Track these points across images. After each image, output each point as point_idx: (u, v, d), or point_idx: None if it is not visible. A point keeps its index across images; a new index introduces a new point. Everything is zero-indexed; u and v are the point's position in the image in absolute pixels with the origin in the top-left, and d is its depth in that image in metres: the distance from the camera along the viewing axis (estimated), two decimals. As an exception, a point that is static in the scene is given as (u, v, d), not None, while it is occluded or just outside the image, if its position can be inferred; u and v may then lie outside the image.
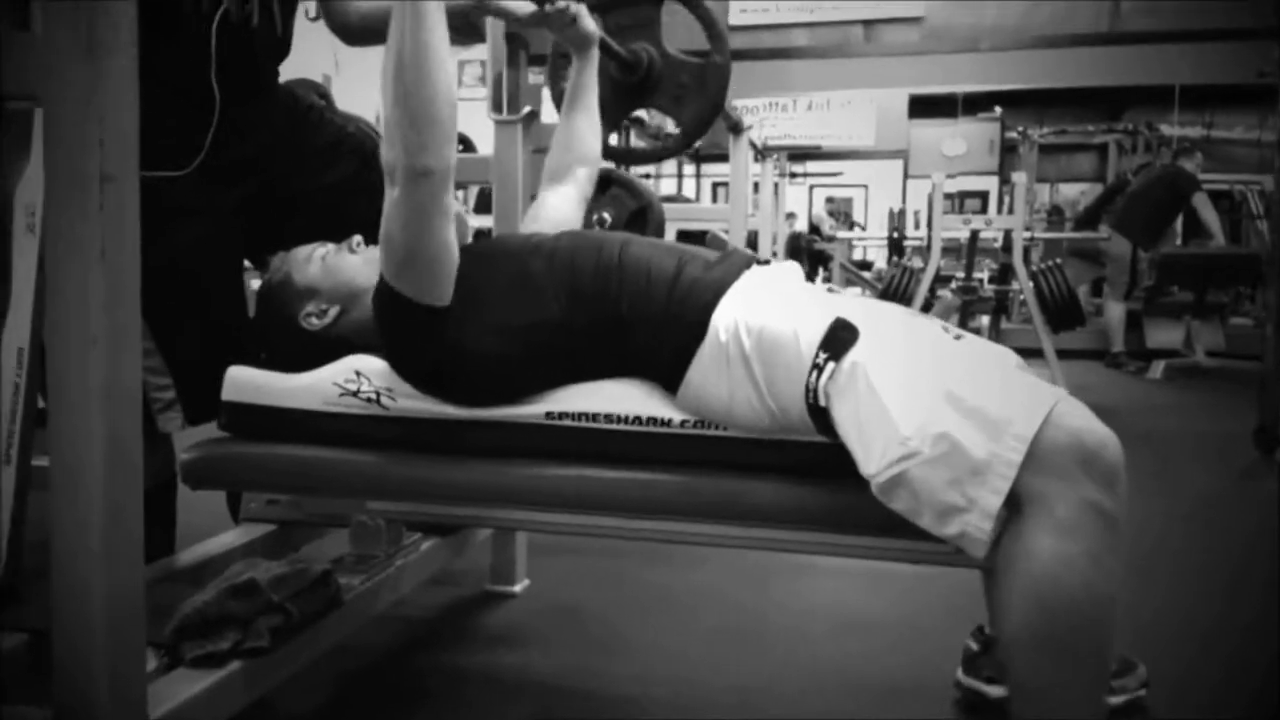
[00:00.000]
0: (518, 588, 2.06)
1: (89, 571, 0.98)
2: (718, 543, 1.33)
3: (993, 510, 1.02)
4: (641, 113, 1.83)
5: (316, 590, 1.32)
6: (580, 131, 1.68)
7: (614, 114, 1.87)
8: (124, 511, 1.00)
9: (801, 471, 1.24)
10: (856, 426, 1.10)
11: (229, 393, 1.44)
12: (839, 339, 1.13)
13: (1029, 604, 1.00)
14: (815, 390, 1.13)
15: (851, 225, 11.78)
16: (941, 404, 1.04)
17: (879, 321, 1.17)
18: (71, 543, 0.98)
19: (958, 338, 1.35)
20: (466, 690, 1.63)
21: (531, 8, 1.51)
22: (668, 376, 1.27)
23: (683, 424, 1.27)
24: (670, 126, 1.98)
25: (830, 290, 1.36)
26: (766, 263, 1.37)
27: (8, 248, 1.10)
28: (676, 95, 1.86)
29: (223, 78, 1.52)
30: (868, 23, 8.05)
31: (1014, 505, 1.02)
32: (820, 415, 1.14)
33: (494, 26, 1.94)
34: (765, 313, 1.21)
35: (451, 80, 1.19)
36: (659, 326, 1.26)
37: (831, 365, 1.12)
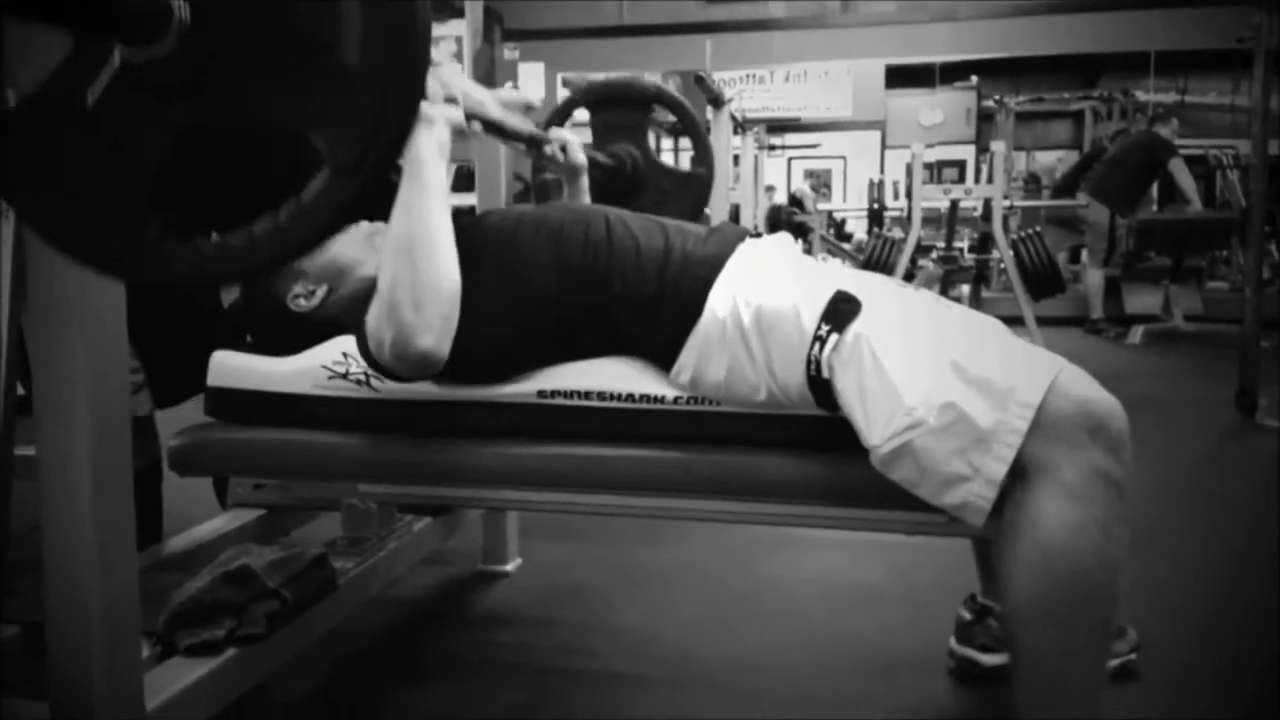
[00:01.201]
0: (510, 567, 2.06)
1: (82, 562, 0.97)
2: (712, 518, 1.32)
3: (997, 478, 1.02)
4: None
5: (311, 574, 1.30)
6: None
7: None
8: (114, 501, 0.99)
9: (796, 445, 1.24)
10: (860, 398, 1.09)
11: (215, 378, 1.42)
12: (841, 311, 1.12)
13: (1036, 571, 1.00)
14: (818, 362, 1.13)
15: (828, 198, 11.78)
16: (946, 373, 1.04)
17: (878, 293, 1.17)
18: (63, 534, 0.97)
19: (948, 308, 1.36)
20: (463, 670, 1.62)
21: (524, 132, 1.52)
22: (662, 354, 1.26)
23: (676, 400, 1.26)
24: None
25: (824, 259, 1.36)
26: (758, 235, 1.36)
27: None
28: (658, 200, 1.89)
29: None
30: (844, -8, 8.02)
31: (1018, 474, 1.02)
32: (821, 388, 1.14)
33: (471, 10, 1.91)
34: (763, 288, 1.20)
35: (454, 261, 1.18)
36: (653, 304, 1.25)
37: (835, 337, 1.11)
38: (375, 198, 1.32)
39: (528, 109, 1.53)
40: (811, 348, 1.12)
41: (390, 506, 1.58)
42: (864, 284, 1.19)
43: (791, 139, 11.91)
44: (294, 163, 0.77)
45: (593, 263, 1.28)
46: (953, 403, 1.02)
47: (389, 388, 1.33)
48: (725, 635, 1.75)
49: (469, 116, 1.29)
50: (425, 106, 1.18)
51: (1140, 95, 9.78)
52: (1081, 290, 6.83)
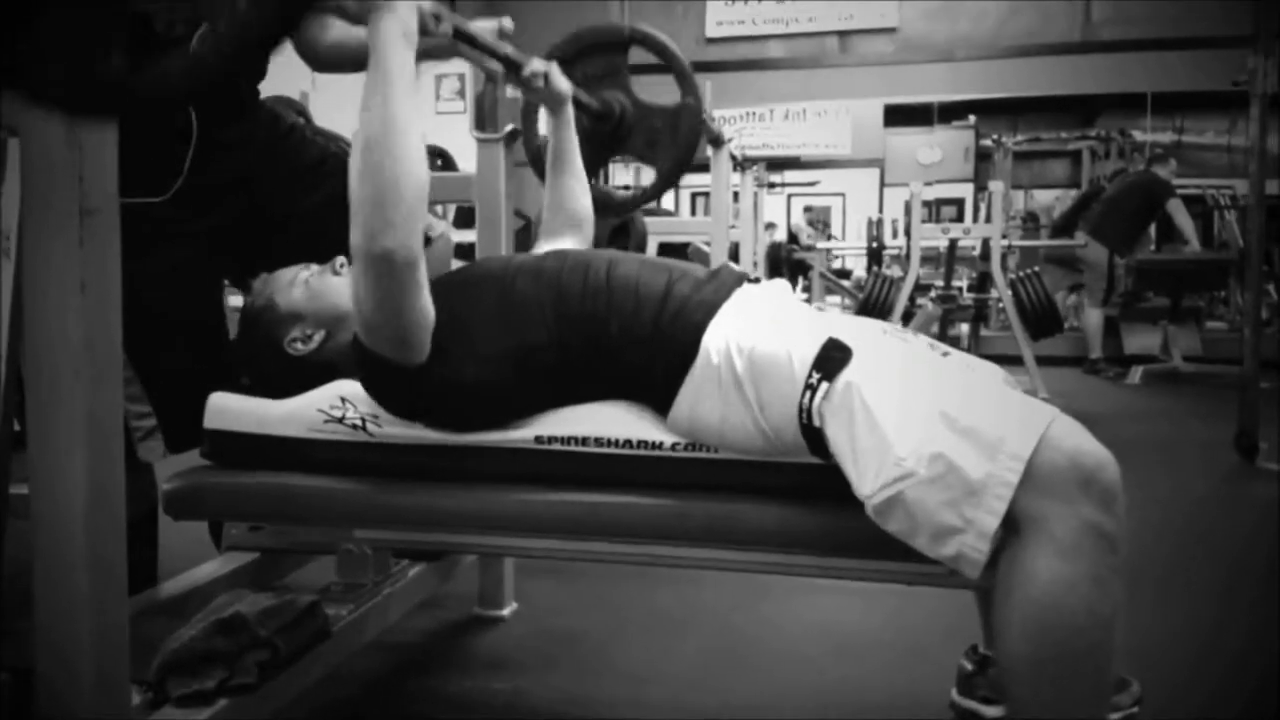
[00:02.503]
0: (506, 611, 2.04)
1: (73, 610, 0.97)
2: (710, 566, 1.31)
3: (989, 531, 1.01)
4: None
5: (304, 622, 1.29)
6: (571, 191, 1.69)
7: (588, 164, 1.87)
8: (107, 549, 0.99)
9: (794, 494, 1.23)
10: (851, 447, 1.09)
11: (211, 420, 1.42)
12: (832, 359, 1.12)
13: (1030, 627, 0.99)
14: (809, 410, 1.12)
15: (829, 235, 11.82)
16: (936, 424, 1.04)
17: (871, 341, 1.17)
18: (55, 581, 0.96)
19: (945, 354, 1.36)
20: (457, 718, 1.60)
21: (500, 50, 1.50)
22: (659, 398, 1.25)
23: (674, 446, 1.26)
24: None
25: (819, 309, 1.36)
26: (756, 280, 1.36)
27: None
28: (650, 140, 1.87)
29: (200, 100, 1.50)
30: (842, 34, 8.09)
31: (1011, 527, 1.01)
32: (814, 436, 1.14)
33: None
34: (757, 333, 1.20)
35: (422, 161, 1.15)
36: (649, 348, 1.25)
37: (825, 385, 1.11)
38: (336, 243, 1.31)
39: (501, 34, 1.50)
40: (803, 396, 1.12)
41: (386, 551, 1.57)
42: (858, 331, 1.19)
43: (791, 176, 11.99)
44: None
45: (591, 306, 1.28)
46: (942, 453, 1.02)
47: (385, 432, 1.33)
48: (723, 681, 1.73)
49: (439, 17, 1.24)
50: None
51: (1138, 135, 9.86)
52: (1081, 330, 6.84)
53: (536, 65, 1.57)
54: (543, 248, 1.65)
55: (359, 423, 1.34)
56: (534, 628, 1.99)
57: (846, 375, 1.10)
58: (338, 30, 1.67)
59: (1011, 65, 7.97)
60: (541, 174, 1.74)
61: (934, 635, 1.83)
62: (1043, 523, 0.99)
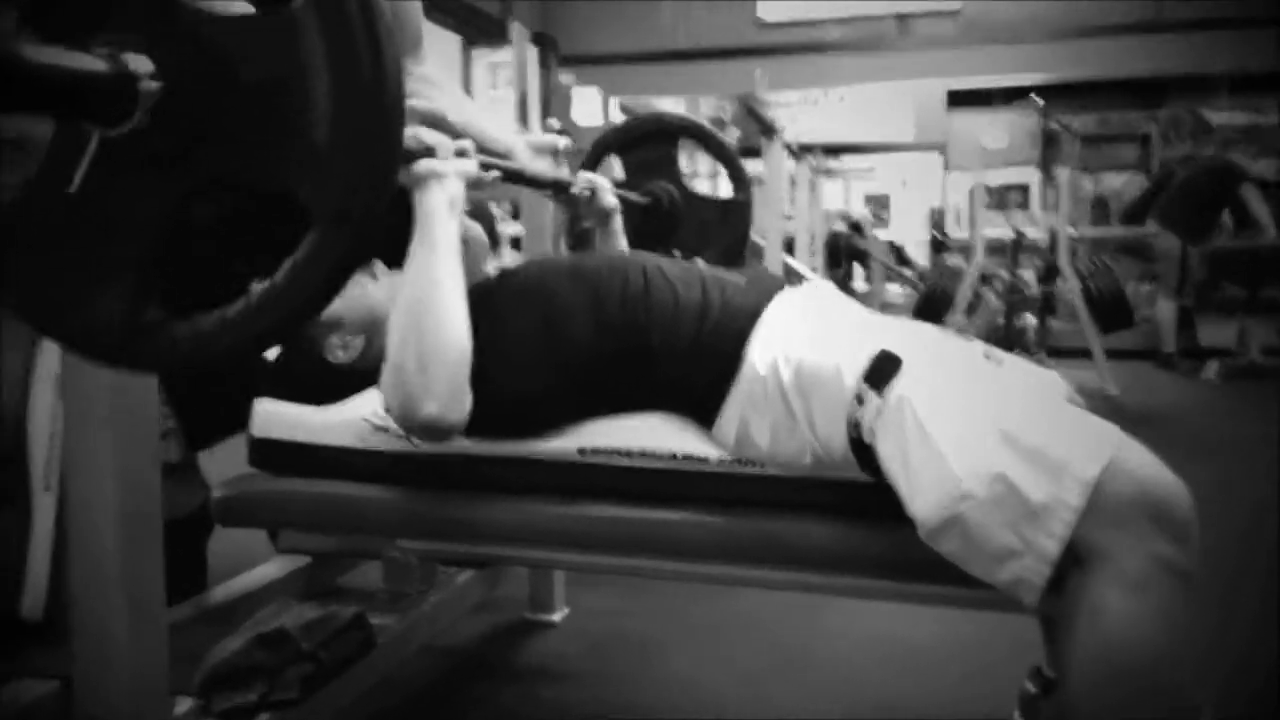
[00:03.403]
0: (557, 616, 2.03)
1: (110, 621, 0.97)
2: (758, 584, 1.28)
3: (1050, 556, 0.96)
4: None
5: (348, 634, 1.29)
6: None
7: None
8: (143, 557, 0.98)
9: (845, 512, 1.19)
10: (903, 465, 1.04)
11: (259, 428, 1.42)
12: (883, 371, 1.07)
13: (1093, 665, 0.94)
14: (859, 425, 1.08)
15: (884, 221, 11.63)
16: (997, 443, 0.99)
17: (926, 351, 1.12)
18: (91, 592, 0.97)
19: (1001, 362, 1.30)
20: (504, 726, 1.59)
21: (547, 177, 1.49)
22: (702, 410, 1.22)
23: (720, 461, 1.22)
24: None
25: (870, 310, 1.31)
26: (798, 284, 1.32)
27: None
28: (700, 233, 1.87)
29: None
30: (901, 17, 7.94)
31: (1076, 557, 0.96)
32: (864, 451, 1.09)
33: (518, 35, 1.91)
34: (804, 342, 1.16)
35: (465, 326, 1.15)
36: (690, 358, 1.21)
37: (875, 399, 1.06)
38: (381, 247, 1.30)
39: (555, 152, 1.50)
40: (852, 409, 1.08)
41: (432, 560, 1.56)
42: (911, 339, 1.14)
43: (849, 162, 11.81)
44: (286, 227, 0.76)
45: (631, 315, 1.25)
46: (1003, 474, 0.97)
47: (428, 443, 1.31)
48: (775, 691, 1.70)
49: (486, 166, 1.26)
50: (435, 162, 1.16)
51: (1210, 117, 9.51)
52: (1153, 320, 6.63)
53: (582, 183, 1.57)
54: None
55: (403, 433, 1.33)
56: (585, 633, 1.98)
57: (898, 388, 1.06)
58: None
59: (1078, 46, 7.75)
60: None
61: (997, 651, 1.76)
62: (1109, 555, 0.94)
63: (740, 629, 1.99)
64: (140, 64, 0.68)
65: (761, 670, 1.79)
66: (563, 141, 1.53)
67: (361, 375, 1.39)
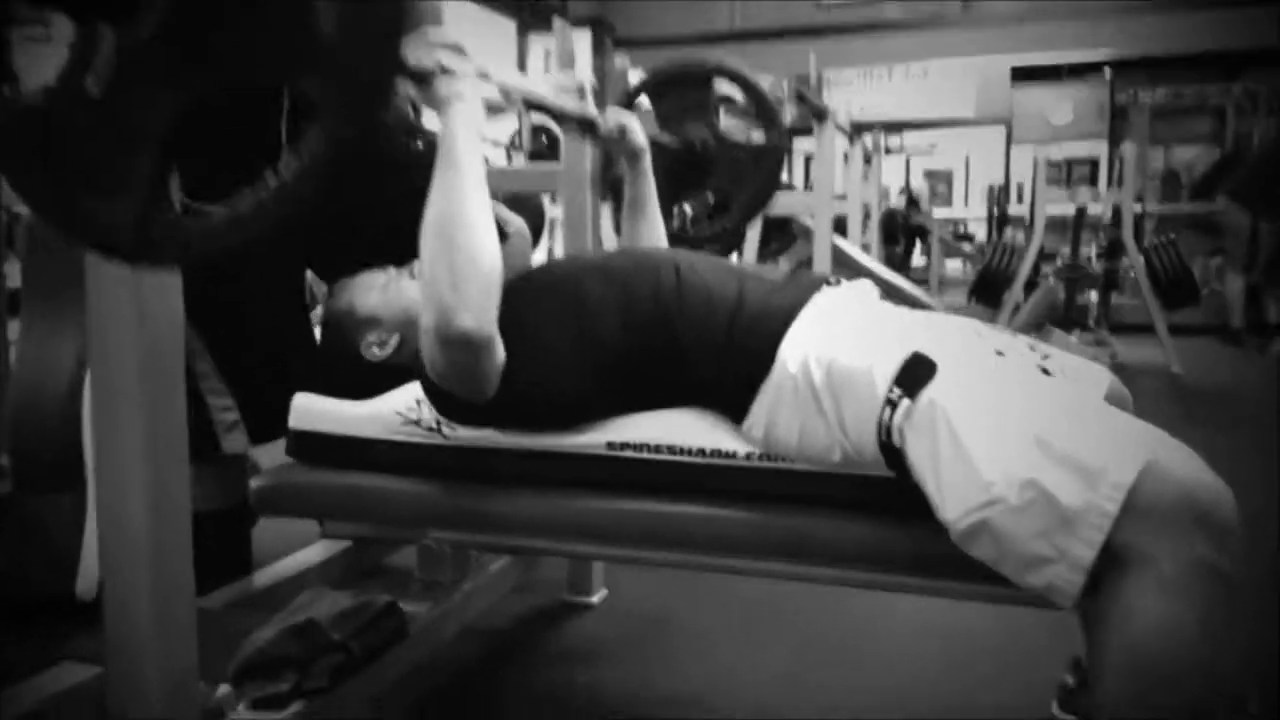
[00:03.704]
0: (595, 598, 2.03)
1: (140, 613, 0.98)
2: (787, 577, 1.26)
3: (1084, 563, 0.93)
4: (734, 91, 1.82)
5: (380, 624, 1.30)
6: (644, 238, 1.65)
7: (667, 197, 1.84)
8: (173, 548, 0.99)
9: (876, 508, 1.17)
10: (933, 469, 1.02)
11: (296, 420, 1.44)
12: (915, 374, 1.05)
13: (1128, 671, 0.91)
14: (889, 428, 1.06)
15: (950, 201, 11.41)
16: (1029, 448, 0.96)
17: (960, 353, 1.09)
18: (120, 583, 0.98)
19: (1045, 357, 1.26)
20: (540, 712, 1.60)
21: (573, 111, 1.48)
22: (733, 407, 1.21)
23: (749, 456, 1.21)
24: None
25: (906, 312, 1.28)
26: (838, 283, 1.30)
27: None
28: (733, 178, 1.84)
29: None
30: (965, -9, 7.76)
31: (1113, 559, 0.93)
32: (894, 454, 1.07)
33: (560, 30, 1.89)
34: (837, 343, 1.14)
35: (493, 242, 1.15)
36: (723, 356, 1.20)
37: (906, 402, 1.04)
38: (384, 157, 1.30)
39: (581, 93, 1.48)
40: (882, 412, 1.06)
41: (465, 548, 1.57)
42: (947, 339, 1.12)
43: (910, 138, 11.59)
44: (293, 125, 0.79)
45: (662, 312, 1.24)
46: (1034, 480, 0.94)
47: (458, 435, 1.32)
48: (815, 678, 1.68)
49: (507, 93, 1.26)
50: (455, 81, 1.15)
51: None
52: (1220, 297, 6.42)
53: (612, 120, 1.55)
54: None
55: (434, 425, 1.34)
56: (623, 616, 1.98)
57: (930, 392, 1.03)
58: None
59: (1147, 20, 7.50)
60: (618, 204, 1.72)
61: (1036, 641, 1.73)
62: (1149, 557, 0.91)
63: (778, 615, 1.98)
64: None
65: (802, 657, 1.78)
66: (590, 80, 1.51)
67: (396, 371, 1.40)
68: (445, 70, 1.14)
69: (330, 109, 0.73)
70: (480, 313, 1.13)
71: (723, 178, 1.86)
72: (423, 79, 1.14)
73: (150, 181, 0.75)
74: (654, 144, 1.65)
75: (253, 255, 1.53)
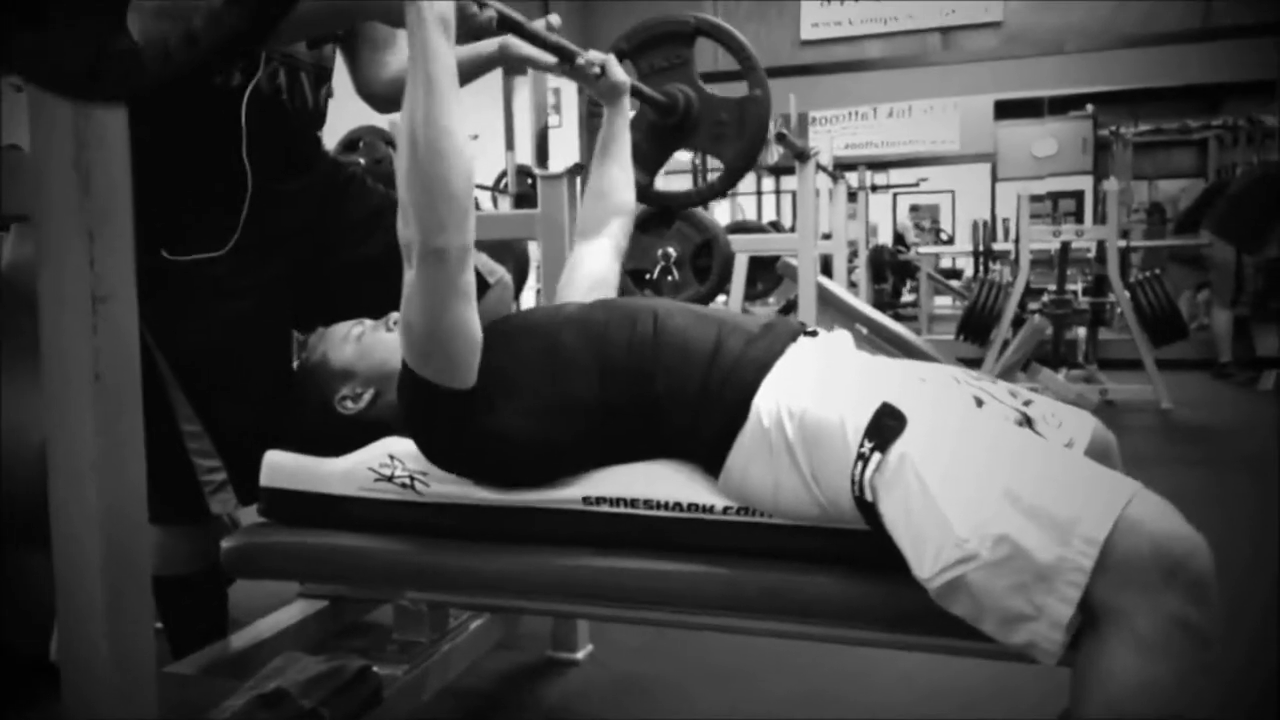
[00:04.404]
0: (580, 654, 1.99)
1: (97, 682, 0.95)
2: (766, 634, 1.24)
3: (1063, 620, 0.92)
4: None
5: (354, 689, 1.27)
6: (614, 181, 1.63)
7: (653, 158, 1.82)
8: (132, 619, 0.97)
9: (855, 562, 1.15)
10: (907, 524, 1.00)
11: (267, 478, 1.41)
12: (885, 427, 1.04)
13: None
14: (861, 483, 1.04)
15: (938, 237, 11.47)
16: (1000, 502, 0.95)
17: (932, 404, 1.08)
18: (78, 653, 0.95)
19: (1027, 403, 1.25)
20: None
21: (551, 40, 1.45)
22: (709, 459, 1.19)
23: (725, 510, 1.19)
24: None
25: (880, 361, 1.27)
26: (814, 333, 1.28)
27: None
28: (716, 134, 1.81)
29: (255, 154, 1.49)
30: (945, 30, 7.84)
31: (1089, 616, 0.91)
32: (869, 509, 1.05)
33: (534, 79, 1.90)
34: (809, 395, 1.12)
35: (467, 156, 1.13)
36: (698, 407, 1.18)
37: (877, 456, 1.03)
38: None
39: (548, 29, 1.46)
40: (855, 466, 1.04)
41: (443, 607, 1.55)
42: (920, 390, 1.11)
43: (896, 175, 11.69)
44: None
45: (637, 361, 1.22)
46: (1007, 535, 0.93)
47: (433, 491, 1.30)
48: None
49: (482, 3, 1.22)
50: None
51: (1268, 121, 9.25)
52: (1210, 329, 6.43)
53: (593, 55, 1.53)
54: (580, 241, 1.62)
55: (408, 481, 1.32)
56: (609, 672, 1.94)
57: (900, 445, 1.02)
58: (394, 68, 1.65)
59: (1127, 56, 7.58)
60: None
61: (1026, 696, 1.70)
62: (1123, 615, 0.89)
63: (767, 668, 1.94)
64: None
65: (791, 710, 1.75)
66: (554, 19, 1.48)
67: (370, 426, 1.38)
68: None
69: None
70: (457, 230, 1.11)
71: (707, 133, 1.83)
72: None
73: (106, 17, 0.74)
74: (637, 105, 1.61)
75: (237, 316, 1.52)
